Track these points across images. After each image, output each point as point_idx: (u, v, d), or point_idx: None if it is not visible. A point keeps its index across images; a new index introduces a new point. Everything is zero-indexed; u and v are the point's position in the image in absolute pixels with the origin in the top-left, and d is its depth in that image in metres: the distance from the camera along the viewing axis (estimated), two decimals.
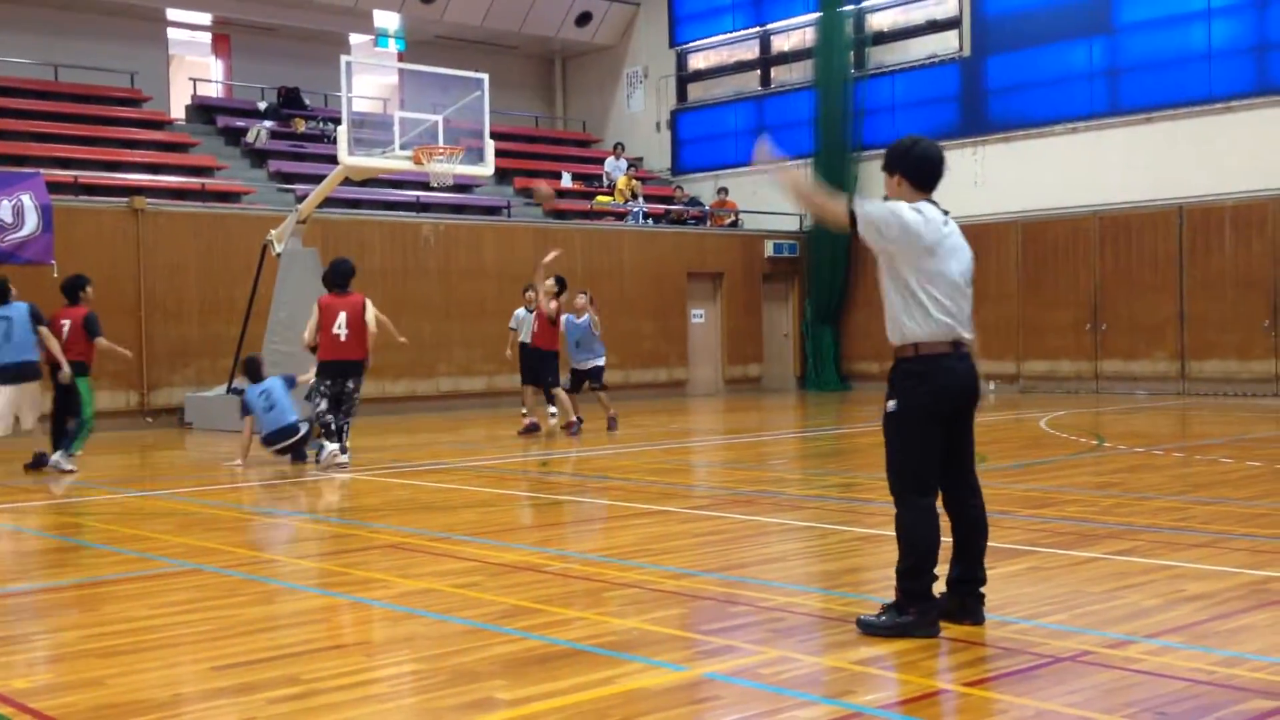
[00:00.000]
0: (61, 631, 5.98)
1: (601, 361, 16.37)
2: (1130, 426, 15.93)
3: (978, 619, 5.44)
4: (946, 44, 24.83)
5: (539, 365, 15.92)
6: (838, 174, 25.21)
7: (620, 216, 25.30)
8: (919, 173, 5.47)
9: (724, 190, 26.77)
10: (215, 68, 27.30)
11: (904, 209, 5.33)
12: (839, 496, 10.22)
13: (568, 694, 4.56)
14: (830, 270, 25.34)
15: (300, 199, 19.10)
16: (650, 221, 25.46)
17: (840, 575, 6.94)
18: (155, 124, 23.35)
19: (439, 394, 21.15)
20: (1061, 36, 22.90)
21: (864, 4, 25.72)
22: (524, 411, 16.27)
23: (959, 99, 24.58)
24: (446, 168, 15.87)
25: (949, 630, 5.37)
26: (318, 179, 18.30)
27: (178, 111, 25.04)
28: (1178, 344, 21.34)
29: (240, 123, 24.10)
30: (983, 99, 24.26)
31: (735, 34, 28.22)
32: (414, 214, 21.87)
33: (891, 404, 5.38)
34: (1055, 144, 22.90)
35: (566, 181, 26.34)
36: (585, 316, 16.19)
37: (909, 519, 5.34)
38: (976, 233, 23.59)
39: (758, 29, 27.88)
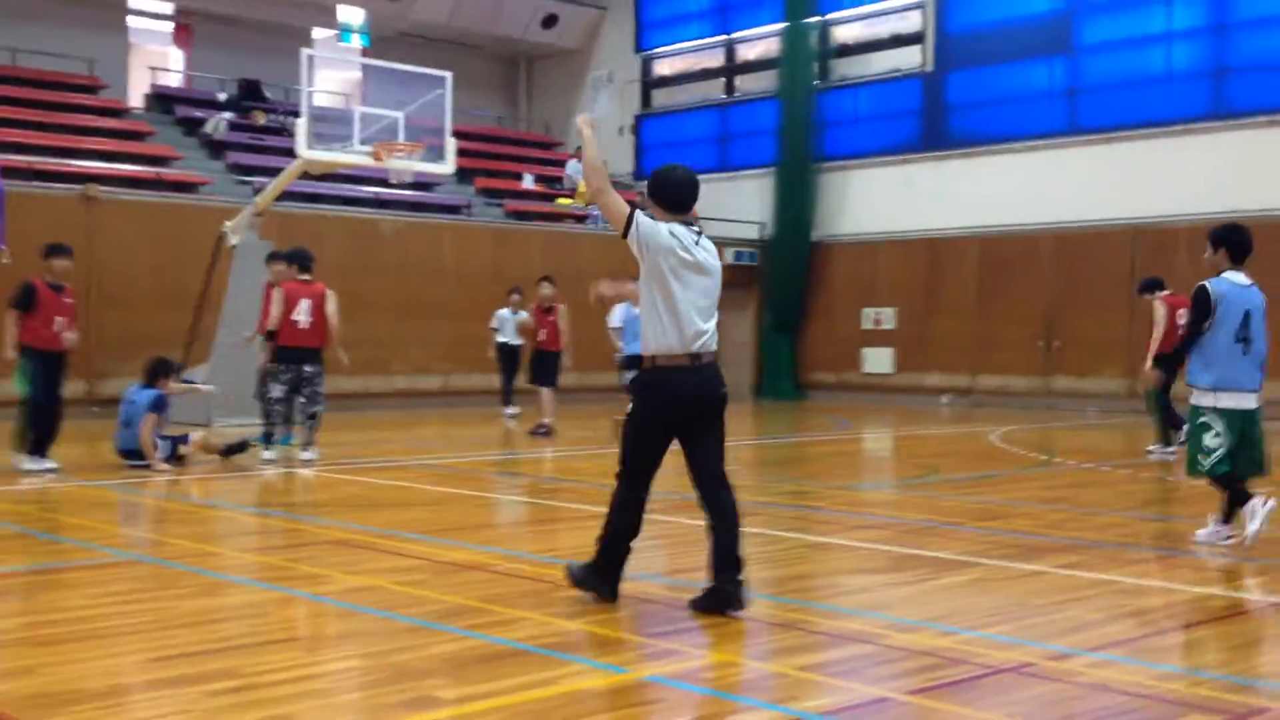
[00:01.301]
0: None
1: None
2: (1080, 443, 16.07)
3: (738, 604, 5.78)
4: (910, 59, 24.99)
5: (550, 366, 16.04)
6: (799, 184, 25.35)
7: (580, 219, 25.27)
8: (666, 199, 6.08)
9: None
10: (176, 57, 27.03)
11: (662, 228, 5.87)
12: (790, 504, 10.24)
13: (510, 694, 4.54)
14: (789, 280, 25.42)
15: (258, 191, 18.96)
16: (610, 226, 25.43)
17: (788, 581, 6.95)
18: (112, 112, 23.09)
19: (394, 391, 21.03)
20: (1023, 55, 23.11)
21: (829, 16, 25.84)
22: (513, 412, 17.07)
23: (921, 113, 24.73)
24: (406, 164, 15.82)
25: (892, 639, 5.39)
26: (276, 172, 18.16)
27: (136, 100, 24.77)
28: (1128, 362, 21.56)
29: (199, 113, 23.88)
30: (944, 114, 24.43)
31: (700, 41, 28.28)
32: (373, 210, 21.75)
33: (630, 406, 6.00)
34: (1014, 161, 23.09)
35: (528, 183, 26.29)
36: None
37: (617, 501, 6.02)
38: (935, 246, 24.02)
39: (723, 37, 27.96)
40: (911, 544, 7.94)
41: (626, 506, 5.99)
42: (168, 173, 20.90)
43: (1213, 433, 7.66)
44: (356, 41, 28.09)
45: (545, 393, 15.95)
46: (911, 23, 25.00)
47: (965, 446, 15.45)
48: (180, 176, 20.97)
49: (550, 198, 26.03)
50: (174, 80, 26.39)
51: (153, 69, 25.85)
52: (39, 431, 11.34)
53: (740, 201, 26.36)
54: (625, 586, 6.50)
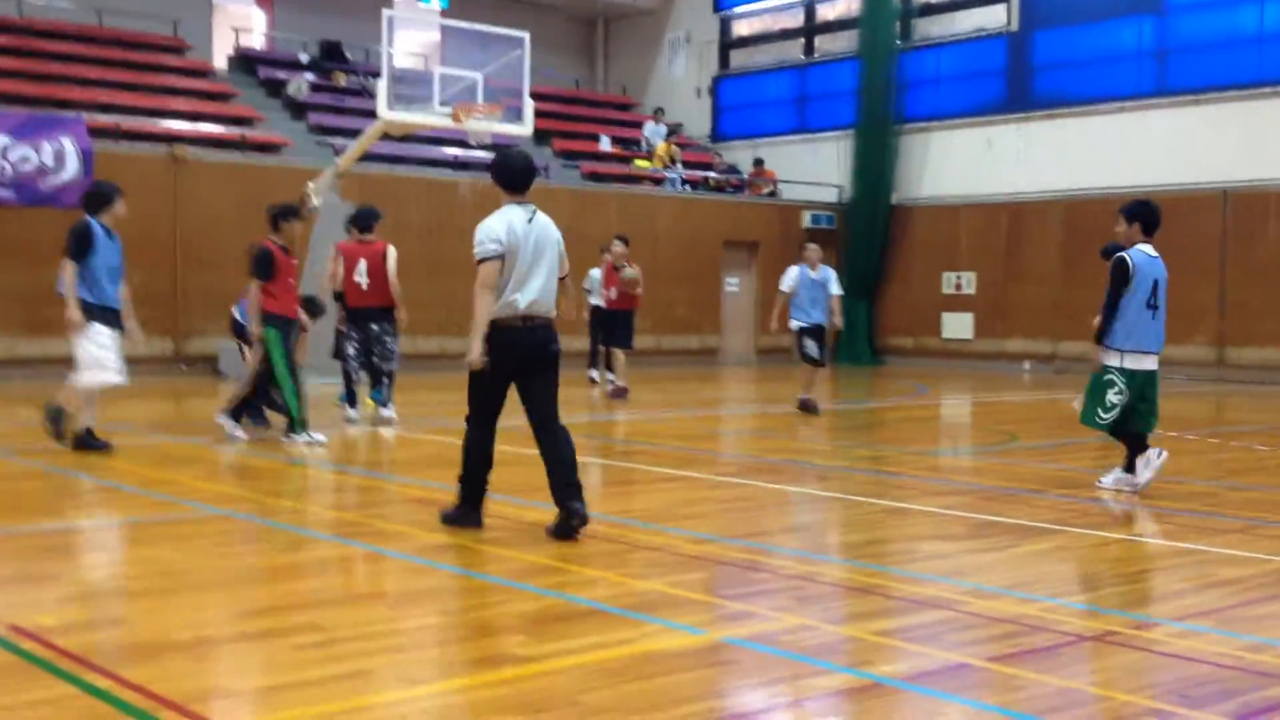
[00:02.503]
0: (90, 570, 6.03)
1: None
2: (1166, 410, 15.73)
3: (580, 517, 6.62)
4: (994, 18, 24.53)
5: (624, 327, 16.01)
6: (879, 146, 25.05)
7: (658, 182, 25.20)
8: (505, 181, 6.85)
9: (760, 161, 26.61)
10: (258, 19, 27.29)
11: (487, 228, 6.68)
12: (867, 469, 10.18)
13: (585, 652, 4.57)
14: (867, 244, 25.18)
15: (339, 152, 19.12)
16: (688, 188, 25.35)
17: (864, 546, 6.91)
18: (197, 73, 23.38)
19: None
20: (1111, 14, 22.58)
21: None
22: (596, 376, 16.96)
23: (1005, 74, 24.30)
24: (485, 126, 15.86)
25: (970, 605, 5.35)
26: (357, 133, 18.30)
27: (220, 61, 25.05)
28: (1217, 330, 21.12)
29: (281, 74, 24.12)
30: (1029, 75, 23.98)
31: (780, 1, 27.96)
32: (452, 171, 21.84)
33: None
34: (1100, 123, 22.62)
35: (605, 145, 26.24)
36: (824, 268, 14.26)
37: (469, 439, 6.92)
38: (1017, 210, 23.65)
39: None
40: (991, 510, 7.87)
41: (478, 444, 6.93)
42: (251, 134, 21.15)
43: (1115, 389, 8.38)
44: (436, 3, 28.14)
45: (618, 354, 15.94)
46: None
47: (1047, 413, 15.24)
48: (263, 138, 21.21)
49: (627, 159, 25.97)
50: (257, 42, 26.65)
51: (236, 30, 26.12)
52: (256, 399, 11.05)
53: (818, 164, 26.13)
54: (701, 548, 6.52)
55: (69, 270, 9.40)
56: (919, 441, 12.51)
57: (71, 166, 17.58)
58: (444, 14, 27.19)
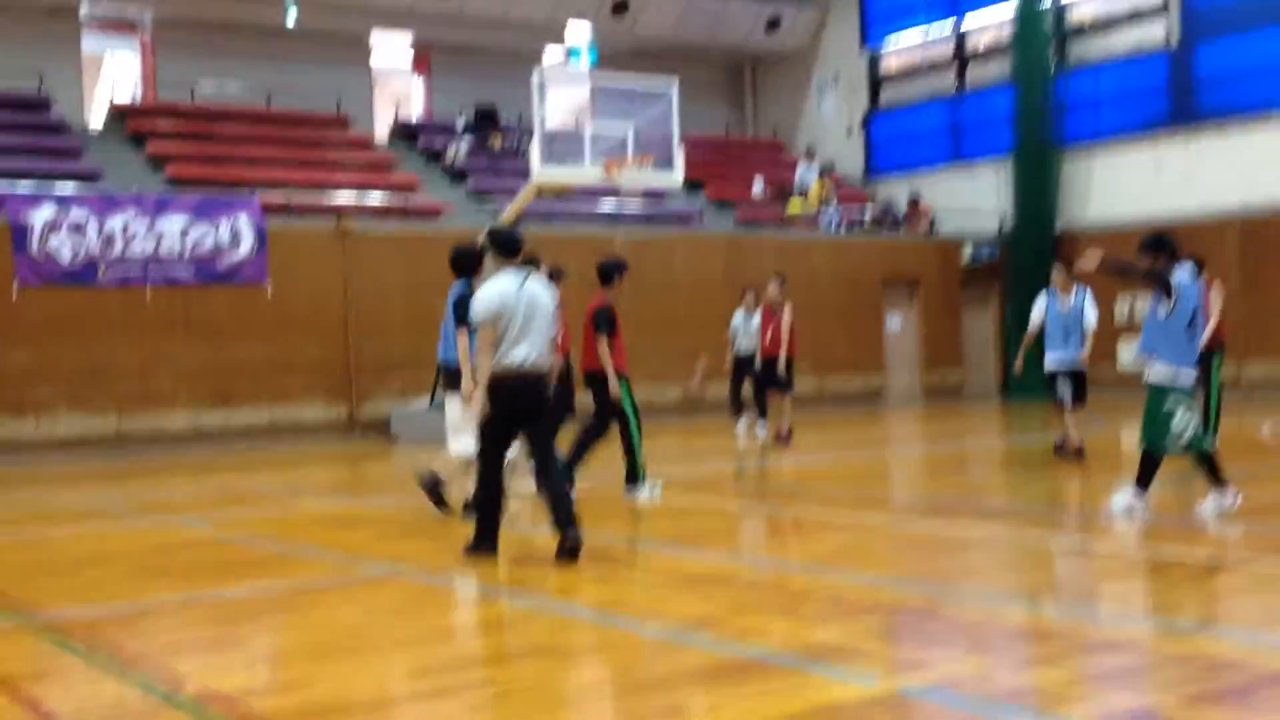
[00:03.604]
0: (273, 633, 6.21)
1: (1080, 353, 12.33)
2: None
3: (574, 540, 7.40)
4: (1153, 34, 23.83)
5: (776, 370, 15.56)
6: (1040, 172, 24.49)
7: (813, 223, 25.07)
8: (500, 249, 7.69)
9: (916, 200, 26.25)
10: (416, 88, 28.18)
11: (483, 297, 7.51)
12: (1043, 506, 9.87)
13: (761, 704, 4.50)
14: (1033, 275, 24.52)
15: (497, 214, 19.53)
16: (844, 227, 25.16)
17: (1042, 587, 6.69)
18: (360, 145, 24.23)
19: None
20: (1275, 20, 21.70)
21: None
22: (743, 430, 16.10)
23: (1168, 90, 23.55)
24: (636, 177, 15.98)
25: (1159, 645, 5.11)
26: (513, 193, 18.68)
27: (381, 133, 25.93)
28: None
29: (440, 142, 24.81)
30: (1193, 89, 23.19)
31: (929, 33, 27.66)
32: (607, 225, 22.11)
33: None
34: (1274, 134, 21.71)
35: (758, 188, 26.24)
36: (1077, 291, 12.42)
37: (483, 472, 7.70)
38: (1190, 230, 22.76)
39: (952, 27, 27.28)
40: (1176, 543, 7.54)
41: (490, 482, 7.69)
42: (412, 201, 21.79)
43: (1185, 407, 8.31)
44: (585, 60, 28.67)
45: (784, 397, 15.77)
46: None
47: (1233, 439, 14.56)
48: (424, 204, 21.83)
49: (781, 202, 25.92)
50: (416, 111, 27.50)
51: (396, 102, 27.01)
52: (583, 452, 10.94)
53: (976, 194, 25.66)
54: (874, 593, 6.41)
55: (465, 337, 8.90)
56: (1095, 476, 12.08)
57: (246, 244, 18.34)
58: (593, 70, 27.68)
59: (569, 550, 7.42)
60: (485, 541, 7.70)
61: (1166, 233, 8.87)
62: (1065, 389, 12.20)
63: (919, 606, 6.11)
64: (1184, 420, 8.29)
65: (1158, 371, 8.39)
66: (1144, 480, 8.49)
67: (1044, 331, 12.38)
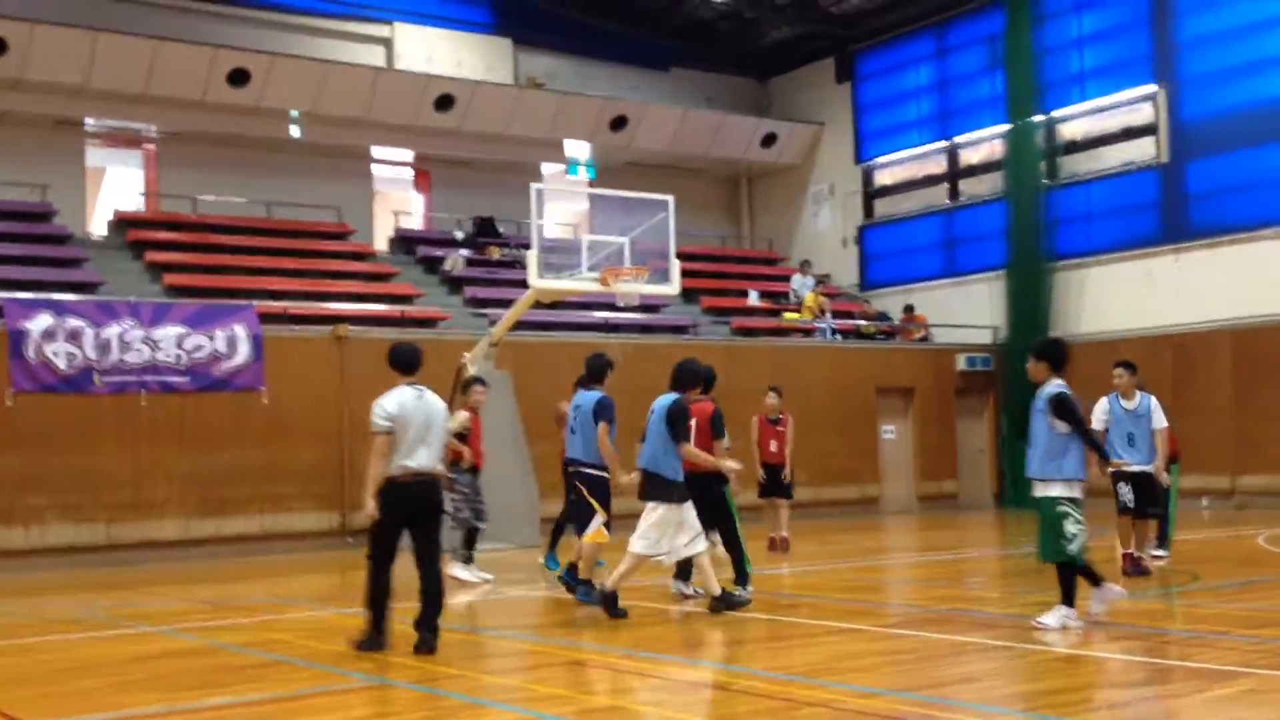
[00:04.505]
0: None
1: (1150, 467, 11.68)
2: None
3: (429, 646, 8.19)
4: (1143, 151, 24.20)
5: (781, 478, 15.66)
6: (1033, 285, 24.69)
7: (808, 333, 25.21)
8: (399, 366, 8.52)
9: (910, 307, 26.45)
10: (416, 200, 28.53)
11: (381, 406, 8.29)
12: (1039, 615, 9.76)
13: None
14: (1026, 383, 24.54)
15: (493, 323, 19.64)
16: (838, 337, 25.29)
17: (1039, 696, 6.59)
18: (360, 256, 24.45)
19: (630, 513, 21.16)
20: (1266, 138, 22.04)
21: (1054, 114, 25.33)
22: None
23: (1159, 205, 23.85)
24: (633, 288, 16.11)
25: None
26: (510, 303, 18.79)
27: (380, 243, 26.18)
28: None
29: (439, 252, 25.05)
30: (1184, 205, 23.48)
31: (922, 149, 28.10)
32: (603, 334, 22.22)
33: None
34: (1265, 249, 21.91)
35: (753, 299, 26.43)
36: (1142, 397, 11.84)
37: (371, 575, 8.37)
38: (1182, 341, 22.91)
39: (945, 143, 27.72)
40: (1173, 655, 7.46)
41: (377, 579, 8.35)
42: (410, 310, 21.92)
43: (1073, 519, 8.46)
44: (583, 174, 29.11)
45: (782, 505, 15.73)
46: (1143, 115, 24.23)
47: (1229, 550, 14.50)
48: (421, 313, 21.95)
49: (776, 313, 26.09)
50: (415, 222, 27.81)
51: (396, 213, 27.33)
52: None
53: (969, 307, 25.83)
54: (869, 702, 6.34)
55: (606, 432, 10.60)
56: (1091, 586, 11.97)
57: (243, 352, 18.40)
58: (591, 184, 28.08)
59: (422, 649, 8.18)
60: (376, 637, 8.32)
61: (1058, 342, 9.23)
62: (1128, 494, 11.55)
63: (915, 715, 6.02)
64: (1074, 528, 8.46)
65: (1054, 486, 8.57)
66: (1068, 596, 8.57)
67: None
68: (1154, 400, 11.79)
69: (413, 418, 8.21)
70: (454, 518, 12.62)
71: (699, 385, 10.48)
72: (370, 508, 8.17)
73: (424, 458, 8.24)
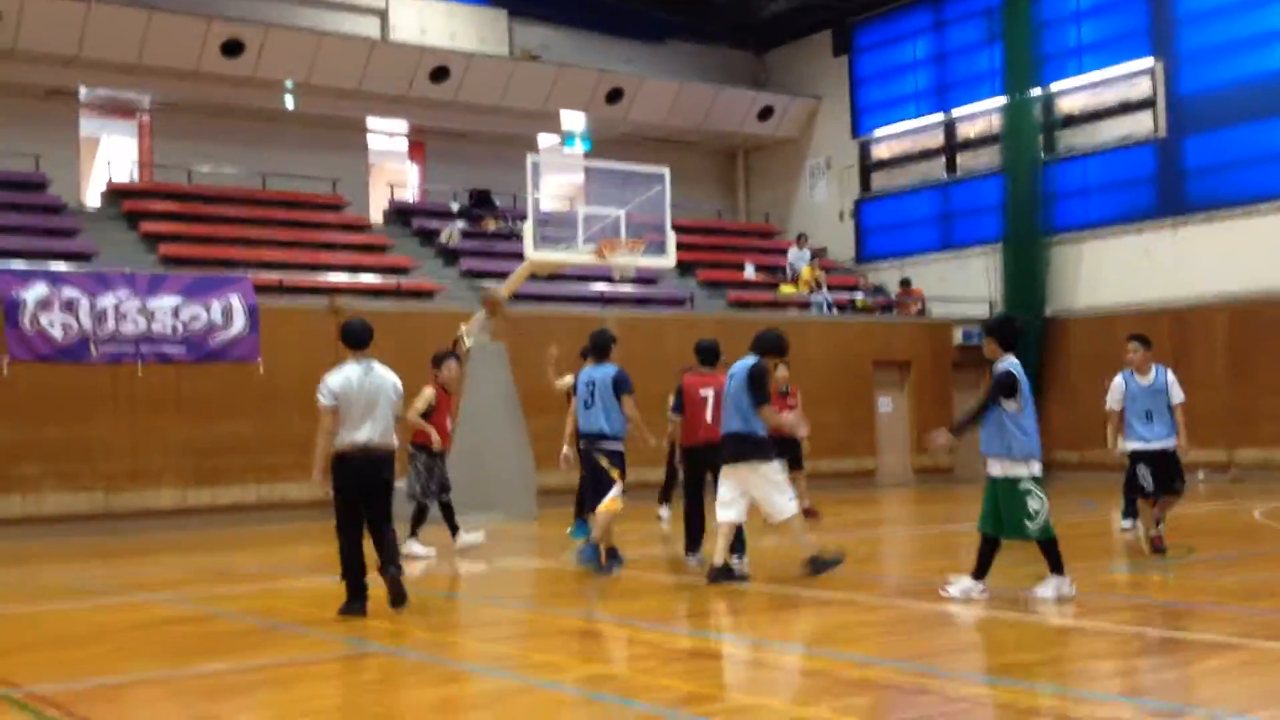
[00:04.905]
0: (254, 710, 6.12)
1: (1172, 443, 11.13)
2: None
3: (400, 596, 8.49)
4: (1141, 125, 24.17)
5: (791, 449, 15.33)
6: (1029, 259, 24.68)
7: (804, 306, 25.20)
8: (348, 341, 8.79)
9: (907, 281, 26.42)
10: (411, 172, 28.45)
11: (326, 383, 8.54)
12: (1032, 586, 9.79)
13: None
14: (1023, 358, 24.52)
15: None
16: (835, 311, 25.28)
17: (1035, 667, 6.62)
18: (355, 228, 24.39)
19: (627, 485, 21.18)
20: (1264, 113, 22.02)
21: (1052, 88, 25.27)
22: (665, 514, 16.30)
23: (1156, 180, 23.84)
24: (629, 260, 16.10)
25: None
26: (506, 275, 18.78)
27: (376, 215, 26.12)
28: None
29: (434, 224, 24.99)
30: (1181, 179, 23.47)
31: (919, 122, 28.03)
32: (599, 307, 22.19)
33: None
34: (1261, 223, 21.93)
35: (749, 273, 26.40)
36: (1157, 371, 11.28)
37: (340, 546, 8.52)
38: (1179, 316, 22.92)
39: (942, 116, 27.65)
40: (1170, 626, 7.49)
41: (347, 550, 8.50)
42: (406, 282, 21.88)
43: (1034, 496, 8.54)
44: (579, 146, 29.01)
45: (798, 476, 15.82)
46: (1141, 89, 24.20)
47: (1225, 524, 14.54)
48: (417, 285, 21.92)
49: (772, 286, 26.07)
50: (410, 194, 27.73)
51: (391, 185, 27.25)
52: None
53: (966, 280, 25.82)
54: (864, 672, 6.36)
55: (633, 403, 10.93)
56: (1090, 558, 12.01)
57: (239, 323, 18.37)
58: (587, 156, 27.99)
59: (399, 596, 8.45)
60: (355, 604, 8.48)
61: (1013, 319, 9.25)
62: (1147, 476, 10.93)
63: (910, 685, 6.05)
64: (1037, 504, 8.50)
65: (1005, 464, 8.63)
66: (1056, 566, 8.56)
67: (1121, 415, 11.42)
68: (1170, 374, 11.22)
69: (358, 393, 8.42)
70: (407, 494, 12.71)
71: (782, 354, 10.69)
72: (319, 481, 8.42)
73: (370, 432, 8.40)
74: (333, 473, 8.43)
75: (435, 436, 12.46)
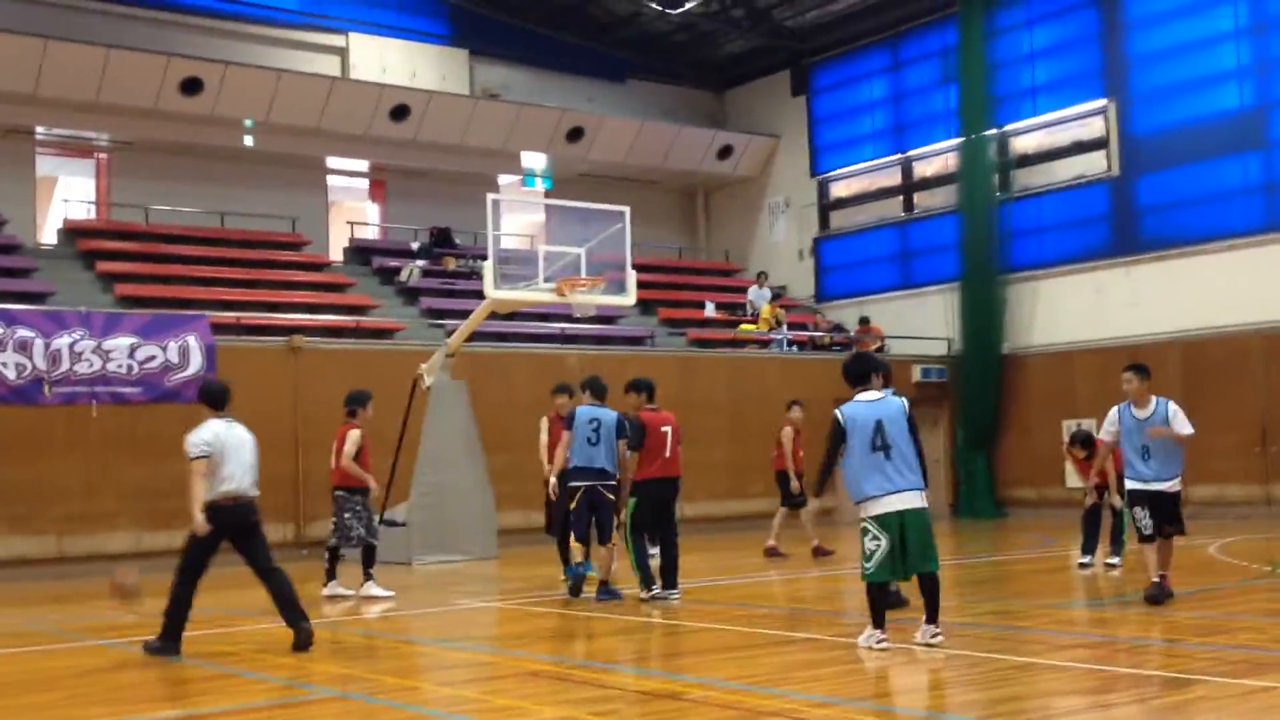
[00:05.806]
0: None
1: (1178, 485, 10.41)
2: None
3: (307, 632, 9.05)
4: (1094, 164, 24.49)
5: (783, 486, 16.44)
6: (986, 297, 24.90)
7: (764, 344, 25.30)
8: (208, 402, 9.40)
9: (866, 319, 26.59)
10: (372, 211, 28.40)
11: (197, 437, 9.05)
12: (994, 624, 9.83)
13: None
14: (981, 395, 24.83)
15: (450, 334, 19.57)
16: (795, 349, 25.39)
17: (994, 704, 6.63)
18: (314, 266, 24.29)
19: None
20: (1215, 153, 22.36)
21: (1007, 128, 25.59)
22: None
23: (1109, 218, 24.14)
24: (589, 298, 16.10)
25: None
26: (467, 314, 18.72)
27: (336, 254, 26.03)
28: None
29: (394, 262, 24.93)
30: (1135, 218, 23.78)
31: (877, 162, 28.28)
32: (559, 345, 22.19)
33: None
34: (1213, 261, 22.23)
35: (710, 311, 26.49)
36: (1158, 404, 10.45)
37: (178, 588, 9.19)
38: (1133, 353, 23.04)
39: (899, 156, 27.93)
40: (1126, 663, 7.53)
41: (185, 592, 9.15)
42: (366, 320, 21.80)
43: (870, 536, 8.34)
44: (539, 185, 29.09)
45: (796, 514, 16.39)
46: (1093, 129, 24.54)
47: (1180, 559, 14.58)
48: (378, 324, 21.84)
49: (733, 324, 26.16)
50: (370, 233, 27.67)
51: (351, 224, 27.19)
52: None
53: (924, 318, 26.01)
54: (824, 711, 6.35)
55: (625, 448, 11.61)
56: (1046, 594, 12.09)
57: (195, 362, 18.23)
58: (547, 195, 28.06)
59: (305, 641, 8.97)
60: (169, 644, 8.98)
61: (856, 357, 9.16)
62: (1145, 517, 10.16)
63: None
64: (873, 546, 8.31)
65: (858, 507, 8.50)
66: (877, 619, 8.33)
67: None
68: (1172, 405, 10.34)
69: (227, 446, 9.08)
70: (347, 536, 13.01)
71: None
72: (200, 522, 8.93)
73: (240, 482, 9.11)
74: (206, 513, 8.99)
75: (371, 480, 13.11)
